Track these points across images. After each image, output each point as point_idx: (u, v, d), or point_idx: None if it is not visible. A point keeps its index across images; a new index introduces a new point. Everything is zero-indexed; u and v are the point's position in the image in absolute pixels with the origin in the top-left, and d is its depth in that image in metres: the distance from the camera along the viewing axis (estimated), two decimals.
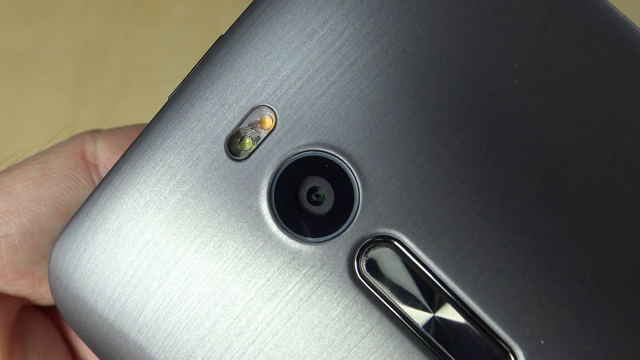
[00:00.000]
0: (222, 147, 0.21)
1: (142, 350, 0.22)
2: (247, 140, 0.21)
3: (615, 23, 0.20)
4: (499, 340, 0.20)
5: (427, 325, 0.21)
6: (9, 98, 0.60)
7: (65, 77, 0.59)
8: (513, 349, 0.20)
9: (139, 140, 0.22)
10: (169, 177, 0.22)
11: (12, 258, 0.23)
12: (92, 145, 0.24)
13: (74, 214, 0.23)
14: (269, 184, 0.21)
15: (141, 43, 0.59)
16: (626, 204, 0.20)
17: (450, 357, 0.21)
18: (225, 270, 0.21)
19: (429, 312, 0.21)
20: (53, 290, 0.23)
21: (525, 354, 0.20)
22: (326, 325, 0.21)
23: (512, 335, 0.20)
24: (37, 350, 0.24)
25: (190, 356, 0.22)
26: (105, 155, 0.24)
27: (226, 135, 0.21)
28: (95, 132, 0.24)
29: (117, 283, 0.22)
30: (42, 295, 0.24)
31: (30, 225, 0.23)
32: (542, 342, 0.20)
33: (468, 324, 0.21)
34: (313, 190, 0.21)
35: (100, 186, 0.22)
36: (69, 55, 0.59)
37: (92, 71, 0.62)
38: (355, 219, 0.21)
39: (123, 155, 0.22)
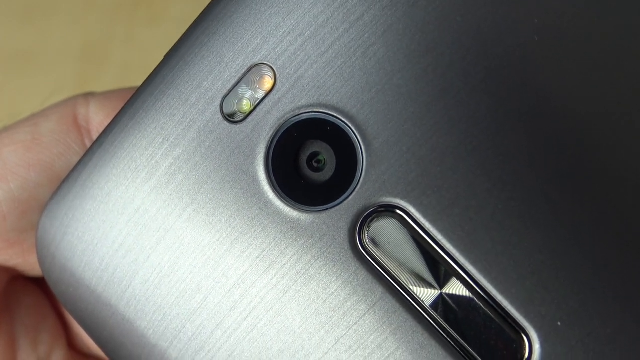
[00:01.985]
0: (218, 108, 0.22)
1: (131, 324, 0.23)
2: (245, 102, 0.22)
3: None
4: (511, 321, 0.21)
5: (434, 303, 0.21)
6: (9, 98, 0.63)
7: (65, 77, 0.61)
8: (527, 330, 0.21)
9: (131, 102, 0.23)
10: (161, 140, 0.22)
11: (0, 226, 0.24)
12: (84, 108, 0.25)
13: (63, 180, 0.24)
14: (266, 148, 0.22)
15: (141, 43, 0.61)
16: None
17: (458, 338, 0.21)
18: (218, 240, 0.22)
19: (435, 289, 0.21)
20: (40, 260, 0.24)
21: (539, 336, 0.21)
22: (324, 301, 0.22)
23: (525, 316, 0.21)
24: (26, 324, 0.25)
25: (180, 331, 0.22)
26: (98, 119, 0.25)
27: (222, 95, 0.22)
28: (88, 95, 0.25)
29: (105, 252, 0.23)
30: (32, 266, 0.26)
31: (18, 191, 0.24)
32: (559, 323, 0.21)
33: (478, 302, 0.21)
34: (313, 155, 0.22)
35: (90, 150, 0.23)
36: (69, 55, 0.61)
37: (92, 71, 0.64)
38: (358, 186, 0.21)
39: (115, 117, 0.23)
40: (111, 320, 0.24)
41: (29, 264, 0.26)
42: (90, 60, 0.63)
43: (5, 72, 0.63)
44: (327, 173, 0.22)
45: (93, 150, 0.24)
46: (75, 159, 0.25)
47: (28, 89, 0.63)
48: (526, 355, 0.21)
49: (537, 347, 0.21)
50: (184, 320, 0.23)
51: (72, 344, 0.28)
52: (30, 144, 0.25)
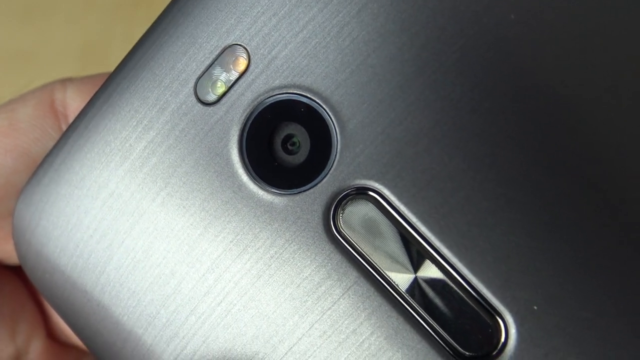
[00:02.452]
0: (191, 90, 0.22)
1: (105, 310, 0.23)
2: (219, 84, 0.23)
3: None
4: (486, 305, 0.21)
5: (408, 287, 0.21)
6: (9, 98, 0.64)
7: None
8: (502, 315, 0.21)
9: (105, 85, 0.24)
10: (134, 123, 0.23)
11: None
12: (62, 93, 0.25)
13: (39, 165, 0.24)
14: (239, 130, 0.22)
15: None
16: (633, 155, 0.21)
17: (433, 322, 0.21)
18: (191, 224, 0.22)
19: (410, 272, 0.21)
20: (17, 246, 0.24)
21: (515, 320, 0.21)
22: (298, 285, 0.22)
23: (501, 300, 0.21)
24: (3, 314, 0.26)
25: (155, 317, 0.23)
26: (75, 104, 0.25)
27: (196, 77, 0.22)
28: (66, 80, 0.25)
29: (80, 238, 0.23)
30: (10, 253, 0.26)
31: None
32: (535, 307, 0.21)
33: (453, 286, 0.21)
34: (288, 137, 0.22)
35: (65, 135, 0.24)
36: (69, 55, 0.62)
37: (92, 71, 0.64)
38: (332, 169, 0.22)
39: (89, 101, 0.24)
40: (86, 306, 0.24)
41: (6, 252, 0.26)
42: (90, 60, 0.63)
43: (5, 72, 0.64)
44: (301, 155, 0.23)
45: (67, 135, 0.24)
46: (52, 145, 0.26)
47: (28, 89, 0.64)
48: (502, 340, 0.21)
49: (513, 331, 0.21)
50: (158, 306, 0.23)
51: (51, 333, 0.28)
52: (6, 130, 0.25)
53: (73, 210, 0.24)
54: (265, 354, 0.23)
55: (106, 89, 0.24)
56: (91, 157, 0.24)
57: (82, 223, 0.24)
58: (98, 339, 0.24)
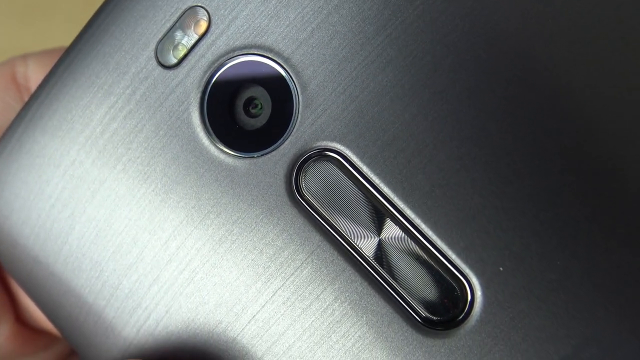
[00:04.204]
0: (152, 53, 0.24)
1: (68, 283, 0.25)
2: (180, 47, 0.24)
3: None
4: (451, 267, 0.23)
5: (372, 250, 0.23)
6: None
7: None
8: (468, 277, 0.23)
9: (67, 52, 0.26)
10: (95, 88, 0.25)
11: None
12: (23, 66, 0.27)
13: (0, 137, 0.26)
14: (200, 92, 0.24)
15: None
16: (598, 112, 0.22)
17: (397, 286, 0.23)
18: (153, 191, 0.24)
19: (374, 236, 0.23)
20: None
21: (481, 283, 0.22)
22: (261, 251, 0.24)
23: (466, 262, 0.23)
24: None
25: (117, 288, 0.25)
26: (37, 77, 0.27)
27: (156, 40, 0.24)
28: (27, 55, 0.28)
29: (41, 208, 0.25)
30: None
31: None
32: (501, 268, 0.22)
33: (417, 248, 0.23)
34: (249, 100, 0.24)
35: (27, 105, 0.26)
36: None
37: None
38: (294, 131, 0.24)
39: (51, 70, 0.26)
40: (49, 279, 0.26)
41: None
42: None
43: None
44: (263, 118, 0.24)
45: (29, 104, 0.26)
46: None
47: None
48: (468, 302, 0.23)
49: (478, 293, 0.23)
50: (120, 276, 0.25)
51: (20, 318, 0.30)
52: None
53: (35, 181, 0.26)
54: (229, 322, 0.24)
55: (67, 56, 0.26)
56: (52, 125, 0.26)
57: (44, 193, 0.26)
58: (61, 313, 0.26)
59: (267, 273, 0.25)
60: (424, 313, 0.24)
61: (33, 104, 0.26)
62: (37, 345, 0.31)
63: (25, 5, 0.67)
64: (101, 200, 0.26)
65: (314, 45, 0.24)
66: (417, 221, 0.24)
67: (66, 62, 0.26)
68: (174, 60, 0.25)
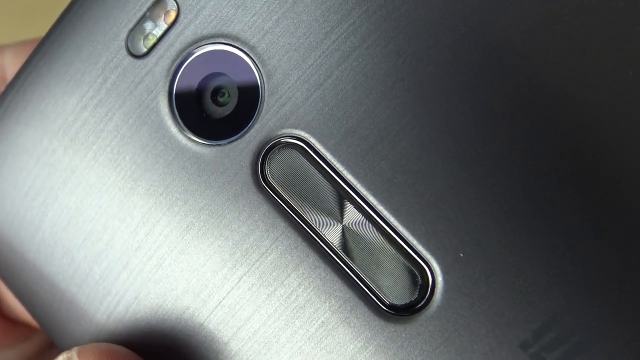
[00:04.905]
0: (122, 43, 0.26)
1: (41, 270, 0.27)
2: (150, 36, 0.26)
3: None
4: (412, 253, 0.24)
5: (335, 236, 0.25)
6: None
7: None
8: (429, 263, 0.24)
9: (42, 42, 0.27)
10: (68, 78, 0.27)
11: None
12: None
13: None
14: (169, 81, 0.26)
15: None
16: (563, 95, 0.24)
17: (359, 271, 0.24)
18: (122, 178, 0.26)
19: (337, 222, 0.25)
20: None
21: (441, 268, 0.24)
22: (227, 238, 0.25)
23: (427, 248, 0.24)
24: None
25: (88, 275, 0.26)
26: (13, 68, 0.29)
27: (127, 30, 0.26)
28: (3, 46, 0.29)
29: (15, 196, 0.27)
30: None
31: None
32: (461, 254, 0.24)
33: (379, 234, 0.24)
34: (217, 89, 0.26)
35: (3, 94, 0.27)
36: None
37: None
38: (259, 119, 0.25)
39: (27, 60, 0.27)
40: (23, 267, 0.28)
41: None
42: None
43: None
44: (230, 106, 0.26)
45: (4, 94, 0.28)
46: None
47: None
48: (429, 288, 0.24)
49: (439, 279, 0.24)
50: (91, 263, 0.27)
51: None
52: None
53: (9, 169, 0.27)
54: (196, 308, 0.26)
55: (42, 47, 0.27)
56: (26, 114, 0.27)
57: (17, 181, 0.27)
58: (36, 300, 0.28)
59: (233, 259, 0.26)
60: (386, 299, 0.25)
61: (8, 94, 0.28)
62: (16, 337, 0.33)
63: (25, 5, 0.69)
64: (72, 188, 0.27)
65: (279, 34, 0.26)
66: (379, 208, 0.25)
67: (40, 52, 0.28)
68: (144, 50, 0.27)
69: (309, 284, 0.26)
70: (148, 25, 0.27)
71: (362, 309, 0.25)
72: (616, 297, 0.24)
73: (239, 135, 0.26)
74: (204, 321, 0.26)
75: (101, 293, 0.27)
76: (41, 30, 0.28)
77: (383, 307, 0.25)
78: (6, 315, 0.33)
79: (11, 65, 0.30)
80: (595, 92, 0.24)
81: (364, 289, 0.25)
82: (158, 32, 0.27)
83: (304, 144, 0.26)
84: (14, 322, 0.33)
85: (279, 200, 0.26)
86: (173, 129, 0.27)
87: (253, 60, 0.26)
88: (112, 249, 0.27)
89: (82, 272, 0.27)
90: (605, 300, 0.24)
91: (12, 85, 0.28)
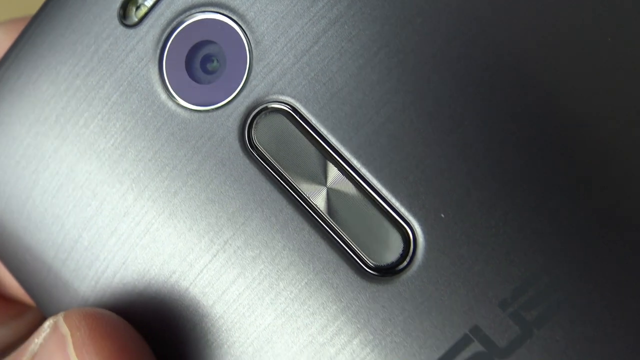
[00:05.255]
0: (115, 13, 0.27)
1: (30, 237, 0.28)
2: (142, 7, 0.27)
3: None
4: (395, 215, 0.25)
5: (320, 199, 0.26)
6: None
7: None
8: (410, 223, 0.25)
9: (36, 15, 0.29)
10: (60, 48, 0.28)
11: None
12: None
13: None
14: (159, 49, 0.27)
15: None
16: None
17: (342, 233, 0.25)
18: (113, 145, 0.27)
19: (322, 184, 0.26)
20: None
21: (423, 230, 0.25)
22: (213, 202, 0.26)
23: (409, 209, 0.25)
24: None
25: (77, 241, 0.27)
26: (6, 44, 0.30)
27: (119, 1, 0.27)
28: None
29: (7, 165, 0.28)
30: None
31: None
32: (442, 215, 0.25)
33: (363, 197, 0.25)
34: (206, 57, 0.27)
35: None
36: None
37: None
38: (247, 85, 0.26)
39: (20, 32, 0.29)
40: (13, 235, 0.29)
41: None
42: None
43: None
44: (219, 73, 0.27)
45: (1, 63, 0.29)
46: None
47: None
48: (411, 249, 0.25)
49: (421, 240, 0.25)
50: (80, 229, 0.28)
51: None
52: None
53: (1, 139, 0.29)
54: (182, 272, 0.27)
55: (35, 19, 0.29)
56: (19, 83, 0.29)
57: (9, 150, 0.29)
58: (24, 269, 0.29)
59: (220, 223, 0.27)
60: (368, 260, 0.26)
61: (2, 65, 0.29)
62: (8, 314, 0.34)
63: (26, 5, 0.71)
64: (63, 156, 0.28)
65: (266, 2, 0.27)
66: (363, 170, 0.26)
67: (34, 24, 0.29)
68: (135, 20, 0.28)
69: (293, 246, 0.27)
70: None
71: (345, 270, 0.26)
72: (594, 256, 0.25)
73: (226, 101, 0.27)
74: (190, 285, 0.27)
75: (89, 259, 0.28)
76: (33, 9, 0.30)
77: (366, 268, 0.26)
78: (1, 292, 0.34)
79: (3, 42, 0.31)
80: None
81: (347, 251, 0.26)
82: (149, 2, 0.28)
83: (290, 109, 0.27)
84: (6, 299, 0.34)
85: (265, 165, 0.27)
86: (162, 96, 0.28)
87: (242, 28, 0.27)
88: (101, 215, 0.28)
89: (71, 239, 0.28)
90: (584, 260, 0.25)
91: (5, 57, 0.29)
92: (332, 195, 0.27)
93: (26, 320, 0.35)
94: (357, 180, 0.26)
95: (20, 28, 0.31)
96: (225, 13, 0.28)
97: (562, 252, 0.25)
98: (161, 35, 0.28)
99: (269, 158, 0.27)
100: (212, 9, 0.28)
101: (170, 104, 0.28)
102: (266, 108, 0.27)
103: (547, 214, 0.25)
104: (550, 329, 0.25)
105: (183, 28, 0.28)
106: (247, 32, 0.27)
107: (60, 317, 0.27)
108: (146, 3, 0.28)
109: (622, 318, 0.25)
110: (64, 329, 0.26)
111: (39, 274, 0.29)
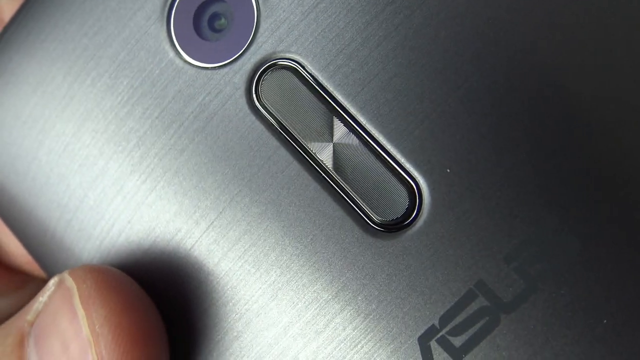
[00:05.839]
0: None
1: (37, 197, 0.29)
2: None
3: None
4: (400, 170, 0.26)
5: (326, 154, 0.27)
6: None
7: None
8: (416, 179, 0.26)
9: None
10: (67, 6, 0.29)
11: None
12: None
13: None
14: (167, 7, 0.28)
15: None
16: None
17: (348, 189, 0.26)
18: (119, 103, 0.28)
19: (328, 140, 0.27)
20: None
21: (428, 184, 0.26)
22: (219, 158, 0.27)
23: (415, 164, 0.26)
24: None
25: (83, 201, 0.28)
26: (12, 7, 0.31)
27: None
28: None
29: (13, 125, 0.29)
30: None
31: None
32: (448, 170, 0.26)
33: (369, 153, 0.26)
34: (213, 14, 0.28)
35: (5, 27, 0.30)
36: None
37: None
38: (255, 42, 0.27)
39: None
40: (18, 196, 0.30)
41: None
42: None
43: None
44: (227, 31, 0.28)
45: (7, 27, 0.30)
46: None
47: None
48: (416, 204, 0.26)
49: (426, 195, 0.26)
50: (86, 189, 0.29)
51: None
52: None
53: (8, 98, 0.30)
54: (188, 230, 0.28)
55: None
56: (27, 44, 0.30)
57: (16, 110, 0.30)
58: (30, 232, 0.30)
59: (226, 180, 0.28)
60: (374, 216, 0.27)
61: (10, 27, 0.30)
62: (10, 285, 0.35)
63: None
64: (70, 115, 0.29)
65: None
66: (369, 126, 0.27)
67: None
68: None
69: (299, 202, 0.27)
70: None
71: (351, 226, 0.27)
72: (601, 211, 0.25)
73: (234, 58, 0.28)
74: (196, 242, 0.28)
75: (95, 219, 0.29)
76: None
77: (371, 224, 0.27)
78: (4, 262, 0.35)
79: (8, 6, 0.32)
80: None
81: (352, 207, 0.27)
82: None
83: (297, 65, 0.28)
84: (8, 270, 0.35)
85: (272, 121, 0.28)
86: (170, 53, 0.29)
87: None
88: (107, 173, 0.29)
89: (76, 199, 0.29)
90: (590, 215, 0.25)
91: (14, 18, 0.30)
92: (338, 152, 0.27)
93: (28, 292, 0.35)
94: (363, 136, 0.27)
95: None
96: None
97: (567, 207, 0.26)
98: None
99: (276, 115, 0.28)
100: None
101: (177, 61, 0.29)
102: (273, 65, 0.28)
103: (552, 170, 0.26)
104: (555, 283, 0.26)
105: None
106: None
107: (65, 274, 0.28)
108: None
109: (627, 272, 0.25)
110: (70, 282, 0.27)
111: (43, 236, 0.30)
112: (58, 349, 0.26)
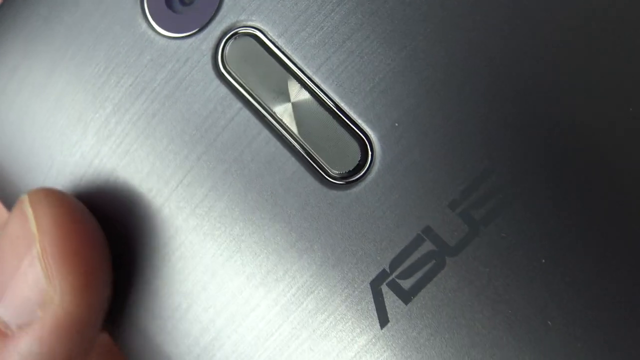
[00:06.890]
0: None
1: (19, 168, 0.33)
2: None
3: None
4: (353, 126, 0.30)
5: (285, 114, 0.30)
6: None
7: None
8: (367, 133, 0.29)
9: None
10: None
11: None
12: None
13: None
14: None
15: None
16: None
17: (306, 146, 0.30)
18: (96, 73, 0.32)
19: (286, 101, 0.30)
20: None
21: (378, 138, 0.29)
22: (189, 121, 0.31)
23: (365, 120, 0.30)
24: None
25: (63, 164, 0.32)
26: None
27: None
28: None
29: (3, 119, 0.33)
30: None
31: None
32: (397, 124, 0.29)
33: (324, 110, 0.30)
34: None
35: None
36: None
37: None
38: (219, 12, 0.31)
39: None
40: (4, 170, 0.34)
41: None
42: None
43: None
44: (195, 4, 0.32)
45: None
46: None
47: None
48: (368, 157, 0.30)
49: (377, 148, 0.30)
50: (66, 155, 0.33)
51: None
52: None
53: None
54: (159, 189, 0.32)
55: None
56: (7, 21, 0.34)
57: (1, 85, 0.34)
58: (14, 201, 0.34)
59: (193, 140, 0.32)
60: (330, 170, 0.30)
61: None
62: None
63: None
64: (52, 85, 0.33)
65: None
66: (324, 86, 0.31)
67: None
68: None
69: (261, 158, 0.31)
70: None
71: (309, 179, 0.31)
72: (541, 153, 0.29)
73: (200, 27, 0.32)
74: (166, 200, 0.32)
75: (74, 183, 0.33)
76: None
77: (327, 177, 0.31)
78: None
79: None
80: None
81: (309, 162, 0.31)
82: None
83: (259, 31, 0.31)
84: None
85: (236, 84, 0.32)
86: (143, 25, 0.33)
87: None
88: (85, 139, 0.33)
89: (58, 165, 0.33)
90: (530, 159, 0.29)
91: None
92: (296, 111, 0.31)
93: None
94: (319, 95, 0.31)
95: None
96: None
97: (509, 152, 0.29)
98: None
99: (239, 78, 0.32)
100: None
101: (149, 32, 0.33)
102: (236, 33, 0.32)
103: (493, 115, 0.29)
104: (497, 226, 0.29)
105: None
106: None
107: (24, 195, 0.32)
108: None
109: (567, 214, 0.29)
110: (25, 199, 0.31)
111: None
112: (7, 246, 0.31)
